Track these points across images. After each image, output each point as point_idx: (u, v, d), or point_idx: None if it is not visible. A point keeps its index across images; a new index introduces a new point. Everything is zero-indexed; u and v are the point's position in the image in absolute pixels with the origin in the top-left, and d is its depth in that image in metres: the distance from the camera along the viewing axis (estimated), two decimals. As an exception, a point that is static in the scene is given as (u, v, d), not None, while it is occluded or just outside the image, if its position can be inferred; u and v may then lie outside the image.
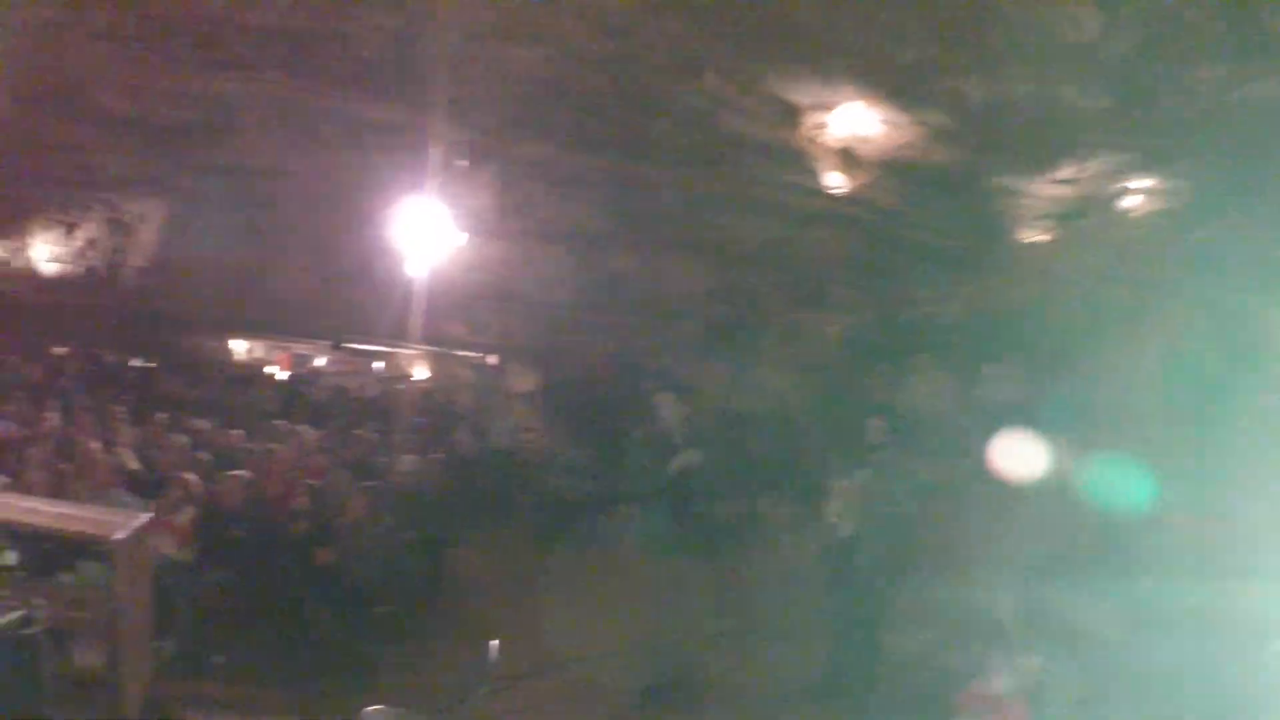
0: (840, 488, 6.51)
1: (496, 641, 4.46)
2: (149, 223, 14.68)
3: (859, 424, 7.23)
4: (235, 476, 7.88)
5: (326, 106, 13.31)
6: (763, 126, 12.53)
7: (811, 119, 12.23)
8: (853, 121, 11.94)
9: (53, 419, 9.64)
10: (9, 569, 4.73)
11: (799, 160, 12.99)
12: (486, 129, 13.06)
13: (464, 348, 16.84)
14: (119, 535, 4.83)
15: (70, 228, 14.69)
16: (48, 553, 4.85)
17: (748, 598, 8.17)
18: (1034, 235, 13.25)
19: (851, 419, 7.75)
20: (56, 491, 7.05)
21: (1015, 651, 4.40)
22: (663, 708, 6.01)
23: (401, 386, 16.98)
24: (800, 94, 11.77)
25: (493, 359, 17.18)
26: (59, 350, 13.99)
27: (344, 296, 15.34)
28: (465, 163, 13.44)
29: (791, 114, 12.17)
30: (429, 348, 16.96)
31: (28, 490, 6.87)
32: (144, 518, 5.40)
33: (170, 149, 13.80)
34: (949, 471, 9.56)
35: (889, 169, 12.85)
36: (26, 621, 3.88)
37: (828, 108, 11.85)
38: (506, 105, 12.72)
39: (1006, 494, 8.94)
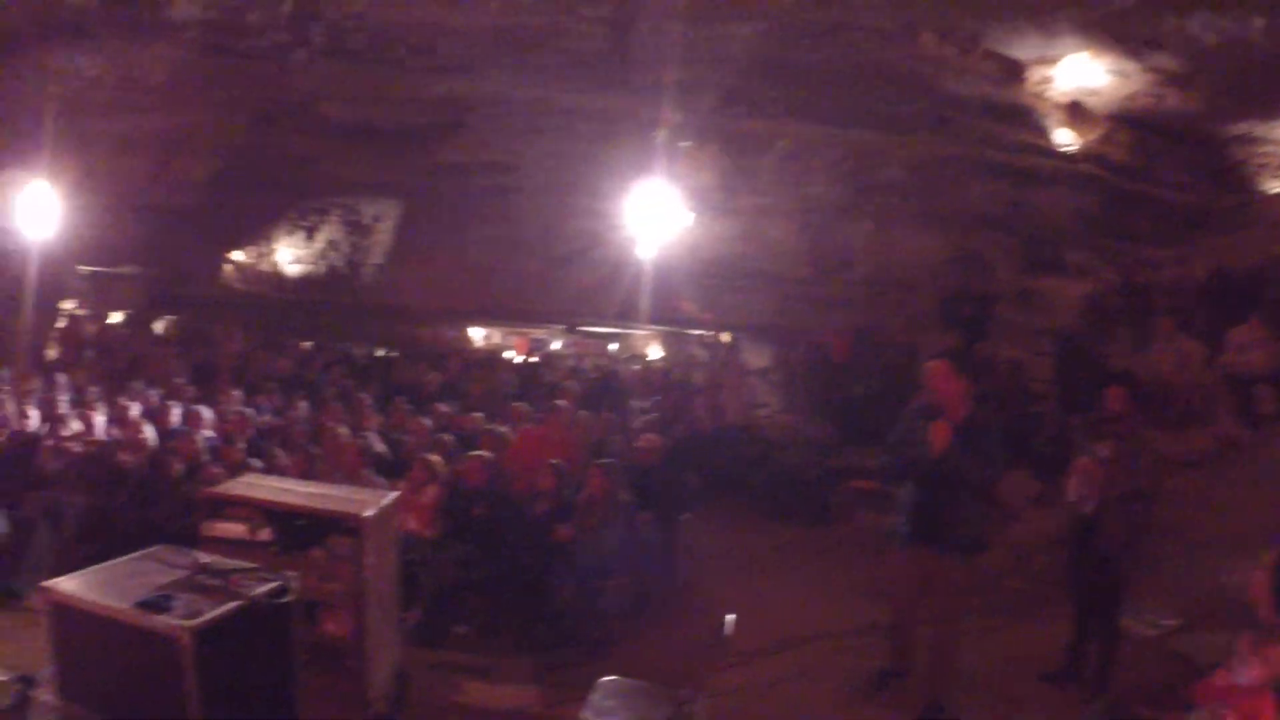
0: (1081, 462, 5.88)
1: (733, 617, 4.30)
2: (385, 221, 15.34)
3: (1099, 393, 6.55)
4: (476, 456, 8.01)
5: (548, 99, 13.45)
6: (986, 86, 11.86)
7: (1035, 74, 11.49)
8: (1078, 74, 11.20)
9: (303, 408, 10.17)
10: (266, 544, 4.90)
11: (1026, 118, 12.26)
12: (708, 108, 12.91)
13: (696, 326, 16.79)
14: (367, 513, 4.94)
15: (311, 231, 15.57)
16: (301, 529, 5.00)
17: (988, 577, 7.69)
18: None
19: (1091, 388, 7.07)
20: (309, 474, 7.38)
21: (1264, 638, 3.77)
22: (900, 690, 5.62)
23: (636, 366, 17.13)
24: (1021, 49, 11.10)
25: (726, 336, 17.05)
26: (306, 344, 14.85)
27: (576, 281, 15.59)
28: (690, 143, 13.36)
29: (1014, 71, 11.47)
30: (662, 328, 17.03)
31: (282, 473, 7.21)
32: (390, 496, 5.52)
33: (401, 152, 14.37)
34: (1195, 443, 8.95)
35: (1120, 122, 12.04)
36: (281, 592, 3.98)
37: (1051, 61, 11.14)
38: (726, 82, 12.51)
39: (1257, 466, 7.99)
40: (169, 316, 15.90)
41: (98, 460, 7.83)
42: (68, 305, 14.94)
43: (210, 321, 15.18)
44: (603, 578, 6.97)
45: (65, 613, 3.66)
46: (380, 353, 15.23)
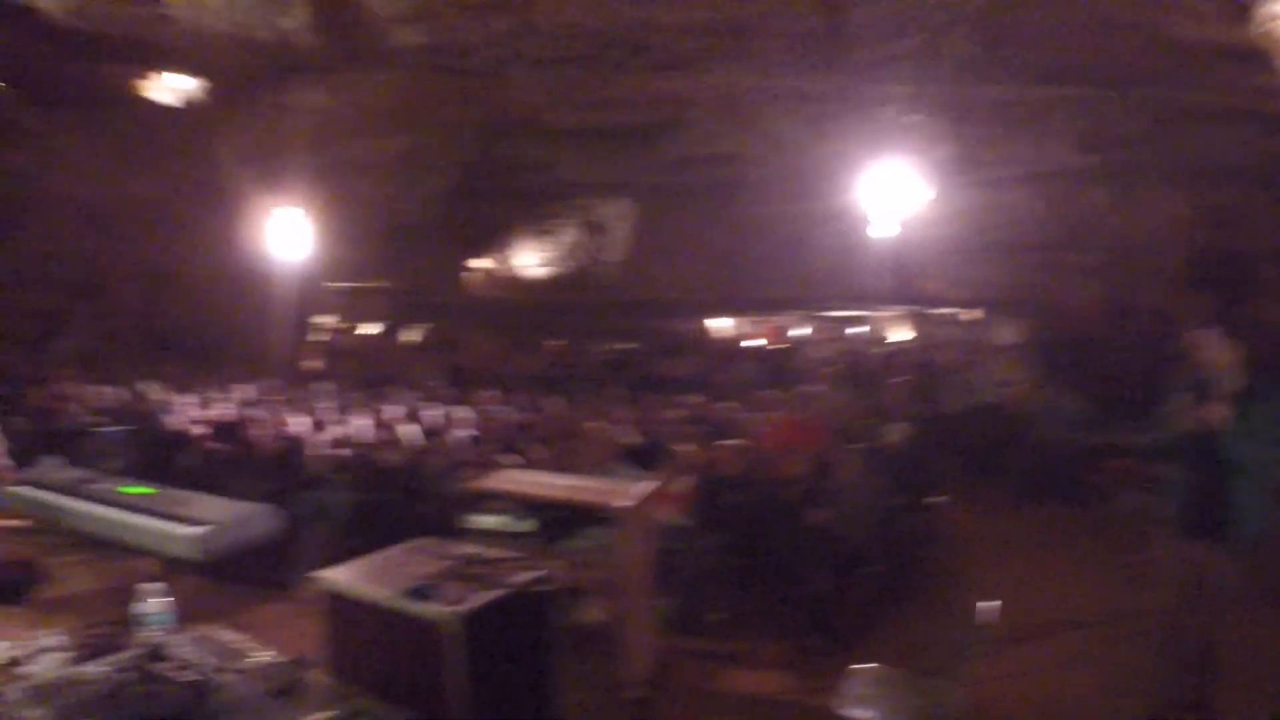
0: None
1: (992, 604, 4.06)
2: (620, 220, 15.72)
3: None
4: (728, 445, 8.02)
5: (768, 86, 13.37)
6: (1214, 28, 10.65)
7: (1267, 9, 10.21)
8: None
9: (557, 404, 10.55)
10: (526, 535, 5.09)
11: (1264, 60, 10.91)
12: (936, 79, 12.41)
13: (941, 304, 16.20)
14: (624, 503, 5.00)
15: (550, 235, 16.17)
16: (560, 520, 5.13)
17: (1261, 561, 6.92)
18: None
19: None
20: (565, 467, 7.64)
21: None
22: (1167, 681, 5.13)
23: (882, 348, 16.72)
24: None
25: (972, 312, 16.34)
26: (555, 343, 15.38)
27: (815, 265, 15.41)
28: (921, 116, 12.90)
29: (1239, 9, 10.23)
30: (906, 307, 16.55)
31: (540, 466, 7.50)
32: (645, 487, 5.58)
33: (629, 151, 14.68)
34: None
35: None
36: (542, 580, 4.08)
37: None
38: (951, 50, 11.99)
39: None
40: (420, 325, 16.88)
41: (361, 460, 8.44)
42: (325, 320, 16.23)
43: (459, 327, 16.03)
44: (856, 564, 6.82)
45: (337, 601, 3.91)
46: (626, 347, 15.57)
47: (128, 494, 4.97)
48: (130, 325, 15.44)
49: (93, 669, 3.05)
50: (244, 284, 14.59)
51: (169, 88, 17.35)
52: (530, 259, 16.27)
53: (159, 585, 3.28)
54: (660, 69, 13.50)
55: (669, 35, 12.84)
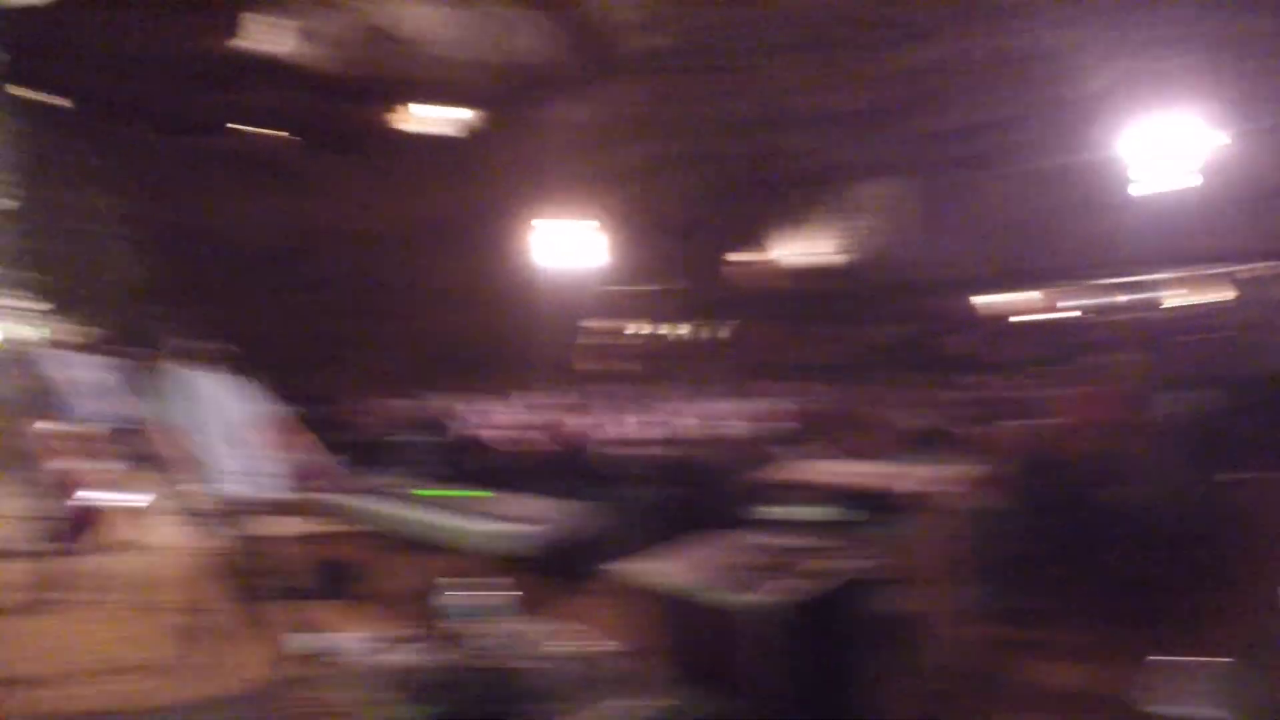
0: None
1: None
2: (885, 200, 15.22)
3: None
4: (1019, 424, 7.58)
5: (1024, 47, 12.55)
6: None
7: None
8: None
9: (839, 392, 10.30)
10: (825, 525, 4.95)
11: None
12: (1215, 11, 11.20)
13: (1231, 260, 14.56)
14: (920, 489, 4.83)
15: (818, 222, 15.87)
16: (858, 509, 5.00)
17: None
18: None
19: None
20: (856, 454, 7.42)
21: None
22: None
23: (1174, 311, 15.25)
24: None
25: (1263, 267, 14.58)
26: (830, 330, 15.06)
27: (1094, 231, 14.33)
28: (1196, 57, 11.70)
29: None
30: (1194, 267, 15.05)
31: (831, 455, 7.31)
32: (940, 472, 5.35)
33: (883, 130, 14.21)
34: None
35: None
36: (848, 571, 4.02)
37: None
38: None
39: None
40: (695, 321, 17.03)
41: (655, 456, 8.55)
42: (602, 323, 16.69)
43: (734, 322, 16.05)
44: (1160, 546, 6.21)
45: (649, 592, 3.99)
46: (903, 329, 15.05)
47: (441, 496, 5.22)
48: (419, 341, 16.52)
49: (407, 656, 3.30)
50: (522, 294, 15.27)
51: (433, 119, 18.60)
52: (799, 248, 16.05)
53: (468, 579, 3.36)
54: (908, 40, 13.07)
55: (913, 4, 12.34)
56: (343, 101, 17.77)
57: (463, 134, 18.26)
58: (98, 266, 15.54)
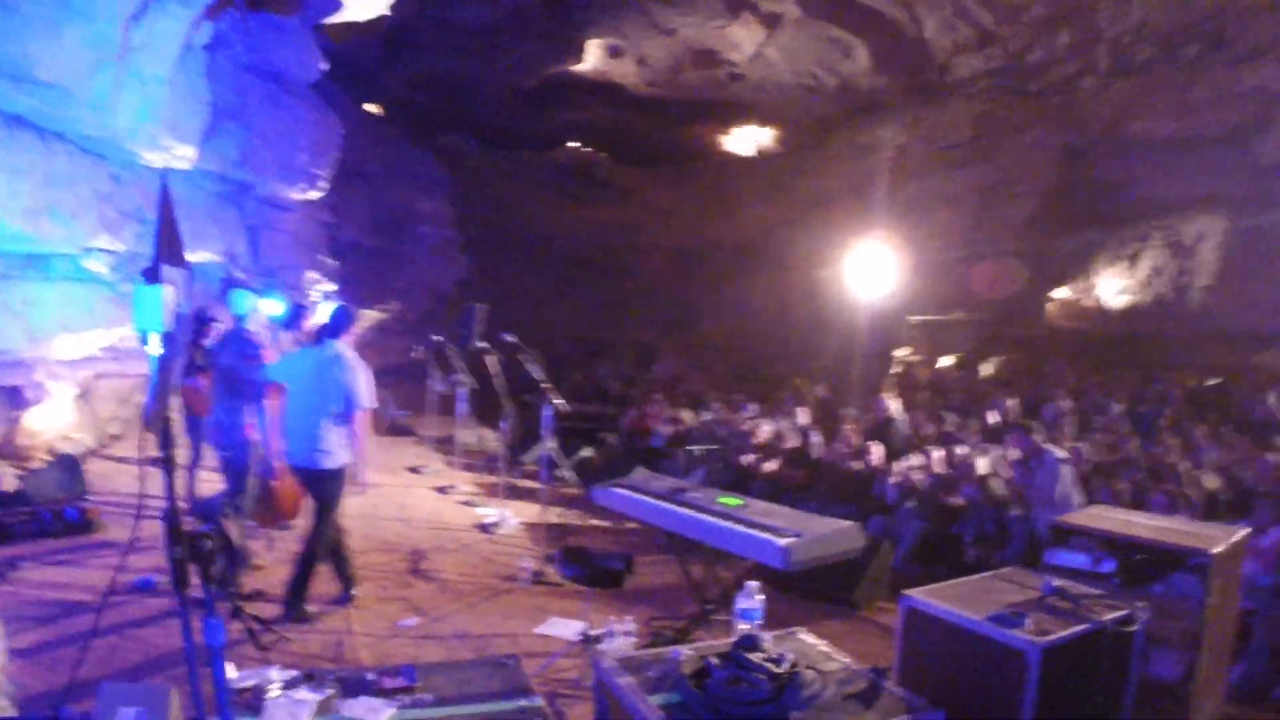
0: None
1: None
2: (1209, 239, 14.21)
3: None
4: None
5: None
6: None
7: None
8: None
9: (1136, 441, 9.85)
10: (1107, 576, 4.91)
11: None
12: None
13: None
14: (1216, 549, 4.68)
15: (1132, 260, 15.04)
16: (1143, 563, 4.91)
17: None
18: None
19: None
20: (1149, 507, 7.20)
21: None
22: None
23: None
24: None
25: None
26: (1136, 376, 14.22)
27: None
28: None
29: None
30: None
31: (1124, 505, 7.14)
32: (1238, 534, 5.13)
33: (1217, 159, 13.29)
34: None
35: None
36: (1128, 621, 3.97)
37: None
38: None
39: None
40: (997, 357, 16.59)
41: (934, 491, 8.60)
42: (901, 352, 16.57)
43: (1038, 359, 15.52)
44: None
45: (918, 619, 4.10)
46: (1213, 381, 13.99)
47: (719, 503, 5.59)
48: (714, 355, 17.15)
49: (686, 650, 3.42)
50: (824, 317, 15.50)
51: (744, 139, 19.18)
52: (1110, 287, 15.28)
53: (754, 584, 3.67)
54: (1245, 60, 12.20)
55: (1251, 19, 11.51)
56: (654, 120, 18.73)
57: (773, 155, 18.78)
58: (416, 265, 17.04)
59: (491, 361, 8.99)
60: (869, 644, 6.19)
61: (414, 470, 11.52)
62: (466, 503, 10.00)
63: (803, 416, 11.01)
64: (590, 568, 5.49)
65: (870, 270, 12.27)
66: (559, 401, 7.75)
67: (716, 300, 19.93)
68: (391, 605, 6.45)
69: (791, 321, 17.86)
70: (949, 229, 15.41)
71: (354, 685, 3.23)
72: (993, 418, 10.99)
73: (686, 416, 12.64)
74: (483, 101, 17.84)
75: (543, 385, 7.65)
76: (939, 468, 8.87)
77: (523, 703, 3.30)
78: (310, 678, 3.27)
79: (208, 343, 7.86)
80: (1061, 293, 16.01)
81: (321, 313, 8.33)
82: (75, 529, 7.45)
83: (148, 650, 5.26)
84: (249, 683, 3.26)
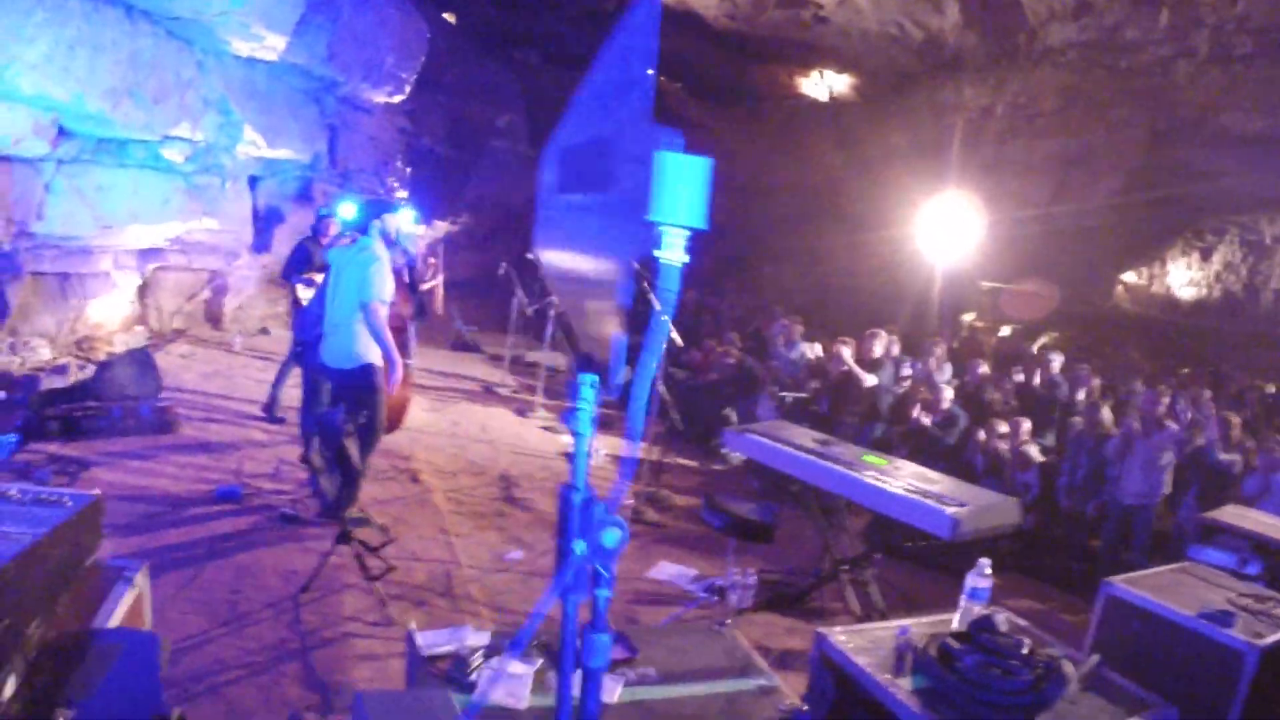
0: None
1: None
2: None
3: None
4: None
5: None
6: None
7: None
8: None
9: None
10: (1253, 578, 4.73)
11: None
12: None
13: None
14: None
15: (1207, 252, 14.66)
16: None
17: None
18: None
19: None
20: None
21: None
22: None
23: None
24: None
25: None
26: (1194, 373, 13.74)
27: None
28: None
29: None
30: None
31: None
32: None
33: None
34: None
35: None
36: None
37: None
38: None
39: None
40: (1055, 333, 16.22)
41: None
42: (968, 317, 16.21)
43: (1100, 340, 15.16)
44: None
45: (1121, 608, 4.03)
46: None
47: (865, 460, 5.30)
48: (779, 300, 16.68)
49: (913, 628, 3.16)
50: (894, 272, 15.11)
51: (823, 85, 18.58)
52: (1180, 277, 14.90)
53: (986, 561, 3.36)
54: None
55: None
56: (731, 55, 18.15)
57: (851, 102, 18.21)
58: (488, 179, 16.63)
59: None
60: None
61: (489, 389, 11.15)
62: (547, 428, 9.68)
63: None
64: (735, 518, 5.21)
65: (945, 231, 11.89)
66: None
67: (779, 245, 19.49)
68: (490, 534, 6.18)
69: (860, 274, 17.47)
70: (1025, 197, 14.95)
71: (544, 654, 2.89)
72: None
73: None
74: (557, 19, 17.26)
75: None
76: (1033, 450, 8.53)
77: (761, 681, 3.02)
78: (521, 645, 2.92)
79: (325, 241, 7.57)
80: (1130, 276, 15.63)
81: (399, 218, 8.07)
82: (151, 428, 7.09)
83: (268, 575, 4.97)
84: (444, 648, 2.90)
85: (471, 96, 15.64)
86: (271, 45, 8.73)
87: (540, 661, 2.83)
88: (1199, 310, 14.86)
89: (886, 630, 3.16)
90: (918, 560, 6.83)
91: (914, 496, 4.73)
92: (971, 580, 3.27)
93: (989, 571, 3.30)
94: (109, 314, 9.46)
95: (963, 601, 3.26)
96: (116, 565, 2.84)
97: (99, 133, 7.99)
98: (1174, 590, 4.04)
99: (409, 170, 12.86)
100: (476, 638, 2.95)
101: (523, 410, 10.25)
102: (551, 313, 10.32)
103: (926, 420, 9.17)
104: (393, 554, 5.32)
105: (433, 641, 2.90)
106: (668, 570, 6.00)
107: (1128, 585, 4.07)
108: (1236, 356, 14.67)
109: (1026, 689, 2.68)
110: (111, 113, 7.50)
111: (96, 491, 2.69)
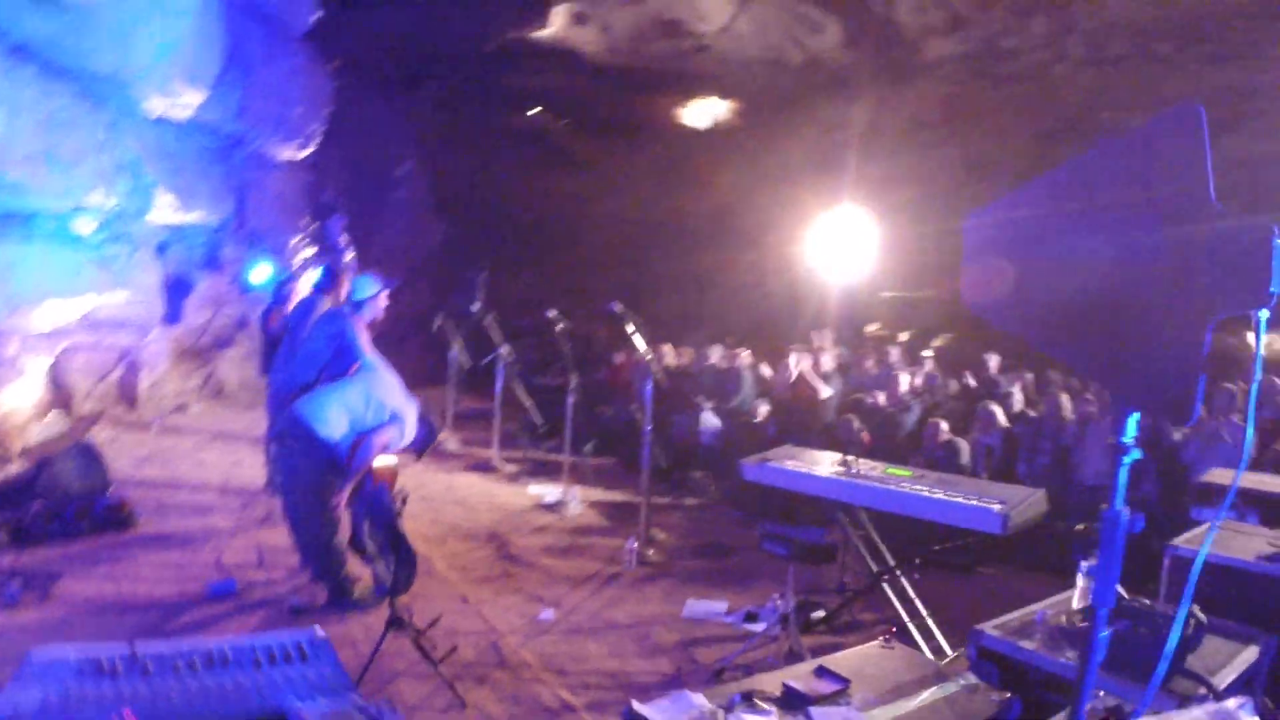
0: None
1: None
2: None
3: None
4: None
5: None
6: None
7: None
8: None
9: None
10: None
11: None
12: None
13: None
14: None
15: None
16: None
17: None
18: None
19: None
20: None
21: None
22: None
23: None
24: None
25: None
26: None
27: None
28: None
29: None
30: None
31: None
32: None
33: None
34: None
35: None
36: None
37: None
38: None
39: None
40: (950, 334, 16.72)
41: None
42: (872, 327, 16.57)
43: (996, 335, 15.67)
44: None
45: (1187, 563, 4.24)
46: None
47: (892, 474, 5.33)
48: (677, 327, 16.69)
49: (1048, 610, 3.49)
50: (795, 287, 15.29)
51: (701, 112, 18.78)
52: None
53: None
54: (1216, 61, 12.50)
55: (1224, 22, 11.83)
56: (612, 88, 18.16)
57: (732, 128, 18.43)
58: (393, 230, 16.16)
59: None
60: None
61: (437, 449, 10.72)
62: (513, 482, 9.36)
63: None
64: (800, 544, 5.11)
65: (841, 245, 12.10)
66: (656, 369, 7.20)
67: (678, 273, 19.53)
68: (509, 597, 5.87)
69: (760, 291, 17.66)
70: (919, 206, 15.43)
71: (789, 699, 2.72)
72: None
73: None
74: (442, 64, 16.93)
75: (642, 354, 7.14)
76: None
77: (963, 682, 3.00)
78: (748, 698, 2.71)
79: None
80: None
81: (307, 279, 7.71)
82: (108, 526, 6.50)
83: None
84: (685, 716, 2.66)
85: (370, 146, 15.19)
86: (187, 102, 8.22)
87: (773, 708, 2.66)
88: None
89: (1019, 619, 3.49)
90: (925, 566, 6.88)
91: (962, 500, 4.78)
92: (1087, 561, 3.55)
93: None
94: (19, 402, 8.67)
95: (1080, 581, 3.54)
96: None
97: (10, 204, 7.36)
98: (1223, 543, 4.41)
99: (315, 226, 12.32)
100: (701, 699, 2.73)
101: (483, 467, 9.91)
102: (501, 365, 10.04)
103: (883, 401, 9.34)
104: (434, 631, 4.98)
105: (666, 714, 2.66)
106: (698, 608, 5.85)
107: (1190, 544, 4.42)
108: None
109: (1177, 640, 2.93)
110: (30, 179, 6.94)
111: (317, 631, 2.43)
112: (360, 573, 5.47)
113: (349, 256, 12.31)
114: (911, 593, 5.48)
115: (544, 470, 9.92)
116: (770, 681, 2.86)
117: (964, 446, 8.30)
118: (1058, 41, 13.67)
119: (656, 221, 19.83)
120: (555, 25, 16.18)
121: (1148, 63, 13.36)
